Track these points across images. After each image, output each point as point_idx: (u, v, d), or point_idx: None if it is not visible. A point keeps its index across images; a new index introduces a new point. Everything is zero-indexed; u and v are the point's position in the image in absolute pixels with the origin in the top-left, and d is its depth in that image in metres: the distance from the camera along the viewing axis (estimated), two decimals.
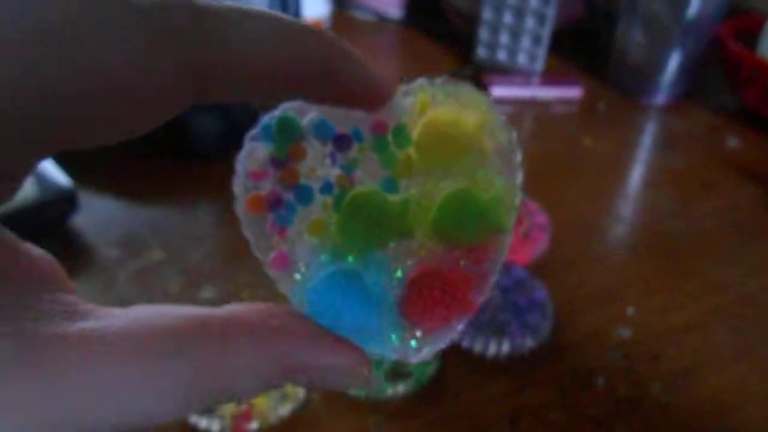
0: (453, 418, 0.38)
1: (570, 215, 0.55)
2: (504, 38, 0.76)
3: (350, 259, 0.16)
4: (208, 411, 0.37)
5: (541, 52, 0.76)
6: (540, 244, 0.50)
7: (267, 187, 0.16)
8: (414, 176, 0.17)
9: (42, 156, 0.15)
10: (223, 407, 0.37)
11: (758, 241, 0.53)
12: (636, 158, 0.65)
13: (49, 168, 0.50)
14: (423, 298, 0.17)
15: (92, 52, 0.13)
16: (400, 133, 0.17)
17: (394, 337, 0.17)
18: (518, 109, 0.72)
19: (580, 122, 0.70)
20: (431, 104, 0.17)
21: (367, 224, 0.16)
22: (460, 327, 0.17)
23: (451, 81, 0.17)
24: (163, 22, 0.14)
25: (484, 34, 0.77)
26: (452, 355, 0.42)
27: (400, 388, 0.39)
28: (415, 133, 0.17)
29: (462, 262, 0.17)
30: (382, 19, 0.91)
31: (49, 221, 0.49)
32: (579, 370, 0.41)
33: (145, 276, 0.47)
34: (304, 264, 0.16)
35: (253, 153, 0.16)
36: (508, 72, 0.77)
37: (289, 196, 0.16)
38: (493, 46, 0.78)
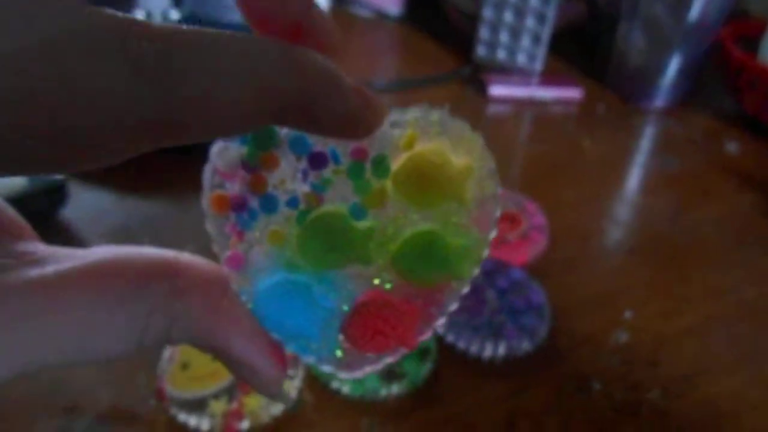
0: (447, 421, 0.38)
1: (568, 217, 0.54)
2: (504, 37, 0.76)
3: (302, 273, 0.17)
4: (197, 409, 0.36)
5: (541, 52, 0.75)
6: (538, 246, 0.50)
7: (234, 189, 0.16)
8: (386, 207, 0.16)
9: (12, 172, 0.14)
10: (213, 406, 0.36)
11: (757, 247, 0.53)
12: (634, 162, 0.65)
13: None
14: (366, 322, 0.17)
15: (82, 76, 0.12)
16: (380, 164, 0.16)
17: (327, 351, 0.17)
18: (517, 109, 0.71)
19: (579, 124, 0.70)
20: (421, 138, 0.16)
21: (327, 246, 0.16)
22: (393, 359, 0.18)
23: (449, 116, 0.17)
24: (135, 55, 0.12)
25: (484, 32, 0.77)
26: (447, 357, 0.41)
27: (394, 389, 0.38)
28: (396, 165, 0.16)
29: (413, 300, 0.17)
30: (382, 16, 0.90)
31: (37, 213, 0.48)
32: (576, 374, 0.41)
33: None
34: (256, 269, 0.16)
35: (226, 153, 0.16)
36: (507, 71, 0.77)
37: (254, 202, 0.16)
38: (492, 45, 0.77)
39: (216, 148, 0.16)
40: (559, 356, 0.42)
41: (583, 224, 0.54)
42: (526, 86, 0.73)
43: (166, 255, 0.16)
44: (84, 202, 0.51)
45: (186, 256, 0.17)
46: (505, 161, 0.63)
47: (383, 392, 0.38)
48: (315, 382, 0.39)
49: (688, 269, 0.50)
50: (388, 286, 0.17)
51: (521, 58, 0.76)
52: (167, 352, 0.39)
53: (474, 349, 0.41)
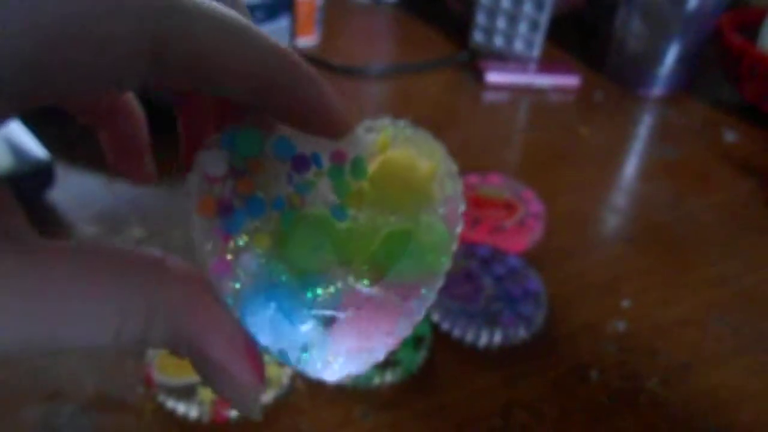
0: (442, 410, 0.37)
1: (565, 205, 0.54)
2: (501, 23, 0.75)
3: (287, 275, 0.17)
4: (186, 396, 0.35)
5: (539, 39, 0.74)
6: (535, 233, 0.49)
7: (220, 193, 0.17)
8: (363, 208, 0.18)
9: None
10: (202, 393, 0.35)
11: (755, 235, 0.52)
12: (632, 149, 0.64)
13: (26, 139, 0.47)
14: (350, 323, 0.17)
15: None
16: (358, 165, 0.18)
17: (315, 354, 0.17)
18: (514, 96, 0.70)
19: (577, 111, 0.69)
20: (391, 145, 0.18)
21: (310, 245, 0.17)
22: (379, 357, 0.18)
23: (413, 127, 0.18)
24: None
25: (481, 18, 0.75)
26: (443, 345, 0.40)
27: (388, 377, 0.37)
28: (372, 168, 0.18)
29: (392, 297, 0.18)
30: (377, 2, 0.89)
31: (24, 195, 0.46)
32: (573, 363, 0.40)
33: None
34: (243, 273, 0.17)
35: (213, 158, 0.17)
36: (504, 58, 0.76)
37: (240, 206, 0.17)
38: (489, 32, 0.76)
39: (203, 155, 0.17)
40: (556, 345, 0.41)
41: (581, 212, 0.54)
42: (523, 73, 0.72)
43: (150, 252, 0.16)
44: (71, 185, 0.50)
45: (170, 257, 0.16)
46: (501, 149, 0.62)
47: (377, 380, 0.37)
48: None
49: (686, 257, 0.49)
50: (367, 286, 0.18)
51: (519, 45, 0.75)
52: None
53: (470, 337, 0.40)
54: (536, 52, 0.75)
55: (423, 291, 0.18)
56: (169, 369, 0.36)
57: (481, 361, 0.40)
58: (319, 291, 0.17)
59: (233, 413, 0.35)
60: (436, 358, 0.39)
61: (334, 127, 0.17)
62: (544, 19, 0.73)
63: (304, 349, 0.17)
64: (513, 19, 0.74)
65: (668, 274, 0.48)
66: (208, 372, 0.16)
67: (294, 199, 0.17)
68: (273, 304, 0.17)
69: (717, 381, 0.40)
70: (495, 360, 0.40)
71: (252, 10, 0.67)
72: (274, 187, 0.17)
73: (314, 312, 0.17)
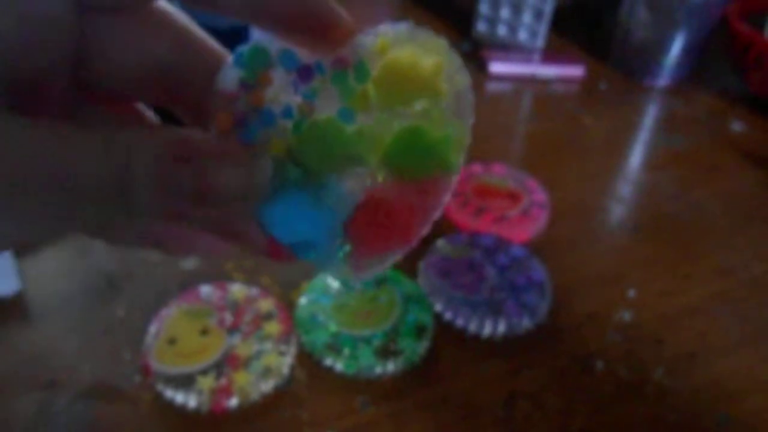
0: (444, 400, 0.36)
1: (570, 195, 0.53)
2: (505, 13, 0.74)
3: (304, 178, 0.18)
4: (184, 385, 0.34)
5: (543, 29, 0.73)
6: (539, 222, 0.48)
7: (235, 108, 0.17)
8: (371, 111, 0.18)
9: None
10: (201, 382, 0.34)
11: (762, 224, 0.51)
12: (637, 139, 0.63)
13: None
14: (368, 221, 0.18)
15: None
16: (360, 69, 0.18)
17: (338, 255, 0.18)
18: (518, 87, 0.70)
19: (581, 101, 0.68)
20: (392, 46, 0.18)
21: (322, 149, 0.17)
22: (399, 255, 0.18)
23: (414, 27, 0.18)
24: None
25: (484, 7, 0.75)
26: (446, 334, 0.39)
27: (390, 367, 0.37)
28: (375, 70, 0.18)
29: (408, 194, 0.18)
30: None
31: None
32: (578, 353, 0.39)
33: None
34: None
35: (227, 77, 0.18)
36: (508, 48, 0.75)
37: (253, 117, 0.17)
38: (493, 21, 0.75)
39: (218, 75, 0.18)
40: (561, 334, 0.40)
41: (586, 202, 0.53)
42: (527, 63, 0.71)
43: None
44: None
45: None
46: (505, 139, 0.62)
47: (378, 370, 0.36)
48: (308, 358, 0.37)
49: (692, 247, 0.49)
50: (383, 184, 0.18)
51: (522, 35, 0.74)
52: (153, 328, 0.37)
53: (473, 326, 0.40)
54: (540, 42, 0.74)
55: (440, 187, 0.18)
56: (167, 358, 0.35)
57: (485, 351, 0.39)
58: (335, 191, 0.18)
59: (233, 402, 0.34)
60: (439, 347, 0.39)
61: (332, 35, 0.17)
62: (548, 8, 0.72)
63: (326, 249, 0.18)
64: (517, 9, 0.73)
65: (674, 263, 0.47)
66: (201, 175, 0.16)
67: (302, 106, 0.18)
68: (293, 207, 0.17)
69: (723, 370, 0.39)
70: (498, 350, 0.39)
71: None
72: (283, 97, 0.18)
73: (333, 213, 0.18)
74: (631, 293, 0.44)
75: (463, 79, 0.18)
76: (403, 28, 0.18)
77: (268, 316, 0.38)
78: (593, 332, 0.41)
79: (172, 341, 0.36)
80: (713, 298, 0.44)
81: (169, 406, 0.34)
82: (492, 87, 0.70)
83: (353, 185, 0.18)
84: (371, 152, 0.18)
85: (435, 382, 0.37)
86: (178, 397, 0.34)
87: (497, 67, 0.70)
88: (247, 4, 0.17)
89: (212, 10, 0.17)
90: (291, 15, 0.17)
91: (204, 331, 0.37)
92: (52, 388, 0.35)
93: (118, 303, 0.40)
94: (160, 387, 0.34)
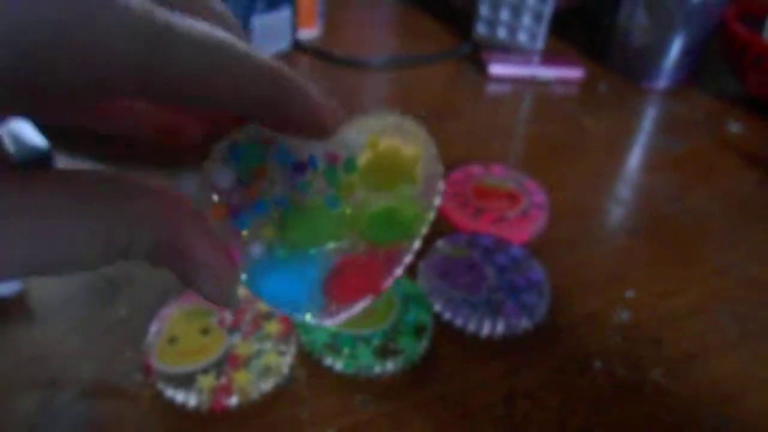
0: (444, 399, 0.36)
1: (569, 196, 0.53)
2: (504, 15, 0.74)
3: (289, 254, 0.20)
4: (185, 384, 0.34)
5: (542, 31, 0.74)
6: (538, 223, 0.49)
7: (229, 200, 0.19)
8: (355, 195, 0.21)
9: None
10: (201, 381, 0.35)
11: (760, 225, 0.52)
12: (636, 141, 0.63)
13: (25, 129, 0.47)
14: (343, 279, 0.21)
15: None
16: (350, 164, 0.20)
17: (316, 308, 0.21)
18: (517, 88, 0.70)
19: (580, 104, 0.68)
20: (379, 138, 0.21)
21: (309, 231, 0.20)
22: (368, 303, 0.21)
23: (400, 116, 0.21)
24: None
25: (484, 10, 0.75)
26: (445, 334, 0.40)
27: (389, 367, 0.37)
28: (362, 161, 0.20)
29: (378, 257, 0.21)
30: None
31: None
32: (576, 353, 0.39)
33: None
34: (252, 256, 0.20)
35: (221, 173, 0.19)
36: (507, 50, 0.75)
37: (247, 207, 0.19)
38: (493, 23, 0.75)
39: (210, 167, 0.19)
40: (560, 334, 0.41)
41: (585, 203, 0.53)
42: (526, 65, 0.72)
43: (127, 174, 0.17)
44: None
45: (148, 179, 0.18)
46: (504, 140, 0.62)
47: (378, 369, 0.37)
48: (307, 358, 0.37)
49: (691, 248, 0.49)
50: (358, 251, 0.21)
51: (522, 37, 0.75)
52: (154, 327, 0.37)
53: (472, 326, 0.40)
54: (540, 44, 0.75)
55: (404, 250, 0.21)
56: (168, 357, 0.36)
57: (484, 350, 0.39)
58: (315, 263, 0.20)
59: (233, 401, 0.34)
60: (438, 347, 0.39)
61: (321, 130, 0.18)
62: (547, 10, 0.72)
63: (307, 306, 0.21)
64: (516, 11, 0.74)
65: (672, 264, 0.47)
66: (192, 273, 0.17)
67: (294, 197, 0.20)
68: (277, 277, 0.20)
69: (722, 371, 0.39)
70: (497, 350, 0.39)
71: (254, 0, 0.66)
72: (276, 189, 0.20)
73: (313, 278, 0.20)
74: (630, 294, 0.44)
75: (436, 165, 0.21)
76: (390, 120, 0.21)
77: (267, 316, 0.39)
78: (592, 332, 0.41)
79: (172, 340, 0.37)
80: (712, 298, 0.44)
81: (170, 404, 0.34)
82: (491, 89, 0.70)
83: (330, 256, 0.21)
84: (350, 230, 0.21)
85: (434, 382, 0.37)
86: (179, 396, 0.34)
87: (497, 69, 0.71)
88: (241, 108, 0.17)
89: (207, 108, 0.17)
90: (285, 119, 0.18)
91: (204, 331, 0.37)
92: (53, 387, 0.35)
93: (119, 303, 0.40)
94: (160, 386, 0.35)
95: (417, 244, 0.21)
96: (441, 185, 0.21)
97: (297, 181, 0.20)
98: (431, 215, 0.21)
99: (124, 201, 0.16)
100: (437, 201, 0.21)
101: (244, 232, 0.19)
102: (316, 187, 0.20)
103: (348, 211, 0.20)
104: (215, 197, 0.19)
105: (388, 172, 0.21)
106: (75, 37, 0.14)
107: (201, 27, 0.16)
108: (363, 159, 0.20)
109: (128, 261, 0.17)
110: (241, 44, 0.16)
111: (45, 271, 0.15)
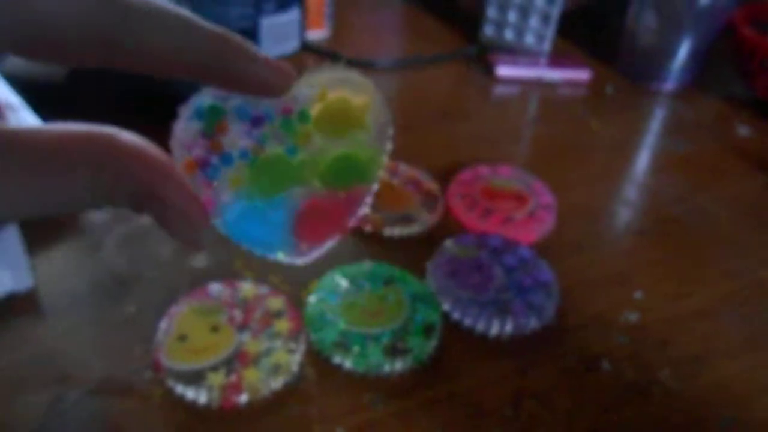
0: (452, 399, 0.36)
1: (576, 198, 0.53)
2: (512, 17, 0.74)
3: (258, 200, 0.22)
4: (195, 381, 0.35)
5: (550, 33, 0.74)
6: (545, 224, 0.49)
7: (198, 154, 0.21)
8: (312, 143, 0.22)
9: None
10: (211, 379, 0.35)
11: None
12: (644, 143, 0.63)
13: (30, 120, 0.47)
14: (310, 222, 0.23)
15: None
16: (303, 115, 0.22)
17: (288, 249, 0.23)
18: (524, 90, 0.70)
19: (587, 105, 0.68)
20: (328, 90, 0.22)
21: (272, 177, 0.22)
22: (335, 242, 0.24)
23: (347, 69, 0.23)
24: None
25: (491, 11, 0.75)
26: (453, 334, 0.40)
27: (398, 366, 0.37)
28: (314, 112, 0.22)
29: (339, 200, 0.23)
30: None
31: None
32: (584, 353, 0.40)
33: (133, 242, 0.45)
34: (225, 205, 0.22)
35: (188, 129, 0.21)
36: (514, 52, 0.75)
37: (215, 160, 0.21)
38: (500, 25, 0.75)
39: (178, 127, 0.21)
40: (568, 335, 0.41)
41: (592, 205, 0.53)
42: (533, 67, 0.72)
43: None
44: None
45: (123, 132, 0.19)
46: (512, 142, 0.62)
47: (387, 368, 0.37)
48: (316, 357, 0.38)
49: (699, 250, 0.49)
50: (319, 194, 0.23)
51: (529, 39, 0.75)
52: (164, 324, 0.37)
53: (480, 326, 0.40)
54: (547, 45, 0.75)
55: (362, 193, 0.23)
56: (177, 354, 0.36)
57: (492, 350, 0.39)
58: (283, 205, 0.23)
59: (243, 399, 0.35)
60: (447, 346, 0.39)
61: (272, 89, 0.21)
62: (555, 12, 0.72)
63: (279, 246, 0.23)
64: (524, 13, 0.74)
65: (680, 266, 0.47)
66: (168, 217, 0.19)
67: (256, 149, 0.22)
68: (249, 222, 0.22)
69: (729, 373, 0.39)
70: (505, 350, 0.39)
71: (261, 2, 0.66)
72: (239, 142, 0.22)
73: (281, 221, 0.23)
74: (638, 295, 0.44)
75: (384, 113, 0.23)
76: (336, 73, 0.22)
77: (277, 314, 0.39)
78: (600, 333, 0.41)
79: (182, 338, 0.37)
80: (719, 301, 0.44)
81: (180, 401, 0.35)
82: (498, 90, 0.70)
83: (296, 199, 0.23)
84: (311, 175, 0.23)
85: (443, 381, 0.37)
86: (189, 393, 0.34)
87: (504, 71, 0.71)
88: (197, 72, 0.20)
89: (167, 75, 0.20)
90: (238, 79, 0.20)
91: (214, 328, 0.38)
92: (64, 384, 0.35)
93: (129, 300, 0.40)
94: (170, 383, 0.35)
95: (375, 186, 0.23)
96: (391, 131, 0.23)
97: (255, 134, 0.22)
98: (384, 159, 0.23)
99: (108, 158, 0.18)
100: (389, 146, 0.23)
101: (215, 183, 0.21)
102: (274, 138, 0.22)
103: (306, 158, 0.22)
104: (186, 153, 0.21)
105: (340, 120, 0.22)
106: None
107: (156, 3, 0.19)
108: (315, 110, 0.22)
109: (115, 207, 0.19)
110: (193, 16, 0.19)
111: (32, 216, 0.18)
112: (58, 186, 0.17)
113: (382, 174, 0.24)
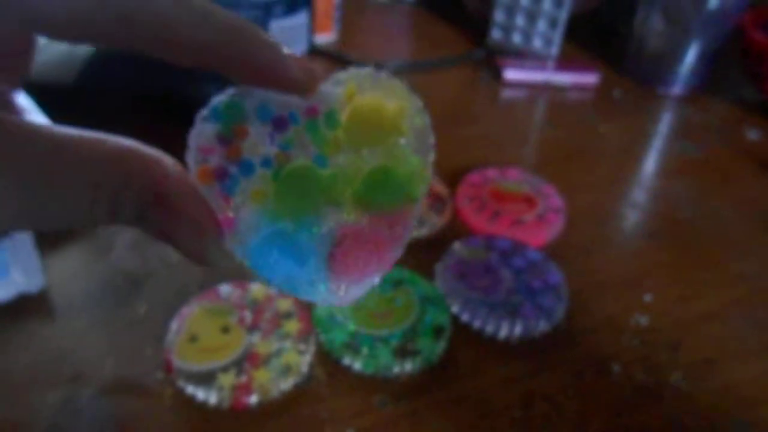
0: (461, 400, 0.36)
1: (585, 201, 0.53)
2: (520, 21, 0.74)
3: (285, 221, 0.19)
4: (205, 382, 0.35)
5: (557, 37, 0.74)
6: (555, 227, 0.49)
7: (215, 161, 0.18)
8: (342, 153, 0.19)
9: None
10: (222, 379, 0.35)
11: None
12: (652, 147, 0.63)
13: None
14: (347, 255, 0.20)
15: None
16: (331, 117, 0.19)
17: (322, 287, 0.20)
18: (532, 94, 0.70)
19: (595, 109, 0.68)
20: (358, 92, 0.20)
21: (300, 193, 0.19)
22: (377, 280, 0.20)
23: (377, 72, 0.20)
24: None
25: (499, 15, 0.75)
26: (463, 336, 0.40)
27: (408, 367, 0.37)
28: (344, 117, 0.19)
29: (380, 226, 0.20)
30: (396, 0, 0.89)
31: None
32: (594, 356, 0.39)
33: (143, 244, 0.45)
34: (246, 226, 0.19)
35: (203, 131, 0.18)
36: (522, 55, 0.75)
37: (233, 169, 0.18)
38: (508, 29, 0.76)
39: (194, 130, 0.18)
40: (578, 338, 0.41)
41: (601, 208, 0.53)
42: (541, 71, 0.72)
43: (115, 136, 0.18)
44: None
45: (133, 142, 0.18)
46: (520, 145, 0.62)
47: (396, 369, 0.37)
48: (326, 357, 0.38)
49: (709, 253, 0.49)
50: (356, 220, 0.20)
51: (537, 42, 0.75)
52: (175, 325, 0.38)
53: (490, 328, 0.40)
54: (555, 49, 0.75)
55: (406, 217, 0.20)
56: (189, 355, 0.36)
57: (501, 352, 0.39)
58: (314, 231, 0.19)
59: (253, 399, 0.35)
60: (456, 348, 0.39)
61: (296, 86, 0.19)
62: (563, 16, 0.73)
63: (311, 284, 0.20)
64: (532, 17, 0.74)
65: (690, 269, 0.47)
66: (174, 228, 0.17)
67: (279, 156, 0.19)
68: (275, 249, 0.19)
69: (741, 376, 0.39)
70: (515, 352, 0.39)
71: (271, 5, 0.67)
72: (261, 148, 0.19)
73: (313, 250, 0.19)
74: (648, 298, 0.44)
75: (423, 119, 0.20)
76: (366, 73, 0.20)
77: (287, 315, 0.39)
78: (610, 336, 0.41)
79: (193, 338, 0.37)
80: (730, 304, 0.44)
81: (190, 402, 0.35)
82: (506, 94, 0.70)
83: (330, 226, 0.20)
84: (345, 192, 0.19)
85: (452, 382, 0.37)
86: (199, 393, 0.35)
87: (512, 75, 0.71)
88: (214, 61, 0.18)
89: (182, 63, 0.18)
90: (258, 72, 0.18)
91: (225, 329, 0.38)
92: (76, 384, 0.35)
93: (140, 301, 0.41)
94: (181, 383, 0.35)
95: (419, 206, 0.20)
96: (432, 138, 0.20)
97: (278, 139, 0.19)
98: (428, 172, 0.20)
99: (111, 163, 0.17)
100: (431, 156, 0.20)
101: (234, 199, 0.19)
102: (299, 145, 0.19)
103: (339, 171, 0.19)
104: (201, 158, 0.18)
105: (374, 125, 0.19)
106: None
107: None
108: (345, 114, 0.20)
109: (120, 223, 0.17)
110: (211, 3, 0.18)
111: (32, 228, 0.17)
112: (52, 198, 0.16)
113: (426, 191, 0.20)
